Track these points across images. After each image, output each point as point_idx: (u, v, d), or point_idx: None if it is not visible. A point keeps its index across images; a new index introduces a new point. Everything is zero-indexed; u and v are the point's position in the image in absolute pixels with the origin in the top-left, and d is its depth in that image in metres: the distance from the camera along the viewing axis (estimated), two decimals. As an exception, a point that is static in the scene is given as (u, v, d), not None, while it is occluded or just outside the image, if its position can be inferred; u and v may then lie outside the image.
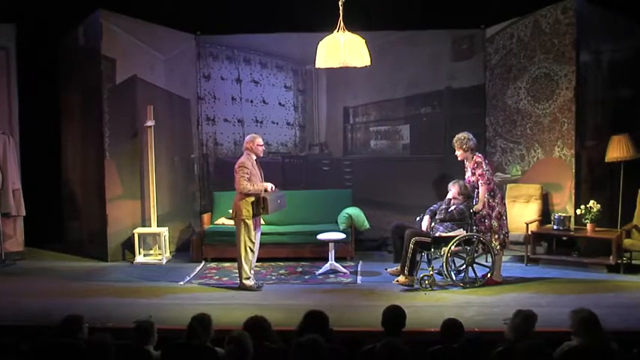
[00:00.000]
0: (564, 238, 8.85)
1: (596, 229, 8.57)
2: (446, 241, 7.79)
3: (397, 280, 7.77)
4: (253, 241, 7.81)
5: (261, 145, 7.94)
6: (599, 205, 8.50)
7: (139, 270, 8.92)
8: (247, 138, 7.97)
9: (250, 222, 7.75)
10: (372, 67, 8.02)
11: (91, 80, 9.45)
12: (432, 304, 7.13)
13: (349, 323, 6.36)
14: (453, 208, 8.02)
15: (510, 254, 9.30)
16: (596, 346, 4.58)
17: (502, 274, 8.05)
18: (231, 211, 7.97)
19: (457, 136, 8.11)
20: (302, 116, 10.47)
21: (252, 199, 7.73)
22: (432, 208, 8.26)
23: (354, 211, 9.43)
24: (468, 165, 8.12)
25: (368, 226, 9.45)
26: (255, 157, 7.89)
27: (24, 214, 9.45)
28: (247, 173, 7.70)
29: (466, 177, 8.15)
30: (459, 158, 8.15)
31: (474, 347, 4.50)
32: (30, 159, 9.82)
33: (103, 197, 9.34)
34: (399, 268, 7.94)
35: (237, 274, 7.90)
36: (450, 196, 8.14)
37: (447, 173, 9.62)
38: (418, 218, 8.29)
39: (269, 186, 7.83)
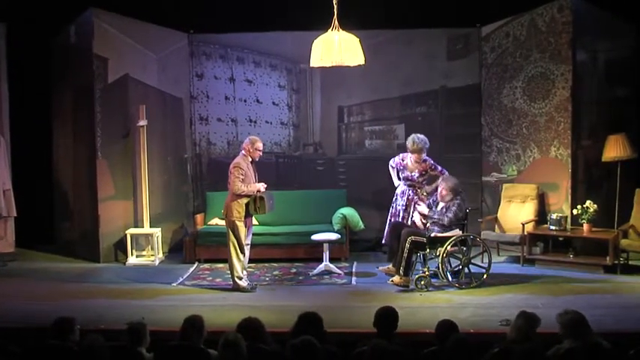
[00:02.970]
0: (560, 239, 8.87)
1: (593, 229, 8.59)
2: (442, 241, 7.80)
3: (392, 281, 7.78)
4: (244, 242, 7.81)
5: (260, 151, 7.91)
6: (595, 205, 8.51)
7: (132, 271, 8.91)
8: (247, 140, 7.93)
9: (241, 223, 7.74)
10: (367, 66, 8.04)
11: (82, 79, 9.43)
12: (428, 305, 7.14)
13: (344, 325, 6.36)
14: (447, 210, 8.00)
15: (506, 255, 9.33)
16: (590, 346, 4.58)
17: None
18: (223, 211, 7.96)
19: (415, 139, 8.33)
20: (296, 115, 10.47)
21: (246, 200, 7.73)
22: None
23: (348, 211, 9.43)
24: (416, 166, 8.46)
25: (362, 226, 9.44)
26: (250, 160, 7.88)
27: (15, 214, 9.42)
28: (242, 174, 7.69)
29: (413, 175, 8.47)
30: (414, 159, 8.41)
31: (464, 348, 4.49)
32: (21, 159, 9.80)
33: (95, 198, 9.32)
34: (390, 267, 7.95)
35: (230, 275, 7.90)
36: (440, 193, 8.06)
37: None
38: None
39: (262, 187, 7.83)
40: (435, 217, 8.01)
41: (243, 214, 7.75)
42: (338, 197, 9.88)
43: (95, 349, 4.57)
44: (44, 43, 10.00)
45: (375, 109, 10.38)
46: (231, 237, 7.75)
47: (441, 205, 8.07)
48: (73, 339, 4.97)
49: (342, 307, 7.21)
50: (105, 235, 9.40)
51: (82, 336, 5.00)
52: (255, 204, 7.76)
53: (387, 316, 5.04)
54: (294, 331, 4.82)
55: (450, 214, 7.92)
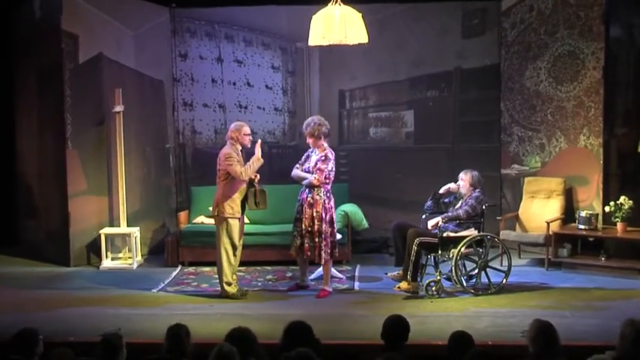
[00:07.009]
0: (591, 239, 8.88)
1: (628, 228, 8.59)
2: (455, 242, 7.80)
3: (399, 287, 7.77)
4: (236, 243, 7.82)
5: (248, 135, 7.90)
6: (630, 202, 8.50)
7: (106, 276, 8.93)
8: (232, 126, 7.93)
9: (235, 221, 7.75)
10: (371, 44, 8.01)
11: (49, 59, 9.42)
12: (440, 314, 7.16)
13: (345, 335, 6.38)
14: (464, 203, 8.01)
15: (529, 257, 9.35)
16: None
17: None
18: (211, 208, 7.96)
19: (307, 121, 8.13)
20: (292, 101, 10.48)
21: (240, 194, 7.74)
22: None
23: (350, 208, 9.44)
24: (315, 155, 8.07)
25: (366, 225, 9.45)
26: (240, 148, 7.88)
27: (-27, 212, 9.46)
28: (237, 161, 7.70)
29: (306, 166, 8.12)
30: (312, 146, 8.09)
31: None
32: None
33: (65, 193, 9.31)
34: (400, 272, 7.95)
35: (218, 280, 7.91)
36: (462, 190, 8.10)
37: (455, 165, 9.63)
38: (424, 216, 8.29)
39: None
40: (450, 214, 7.98)
41: (238, 210, 7.76)
42: (339, 192, 9.79)
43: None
44: (5, 17, 9.98)
45: (381, 93, 10.40)
46: (223, 237, 7.74)
47: (460, 202, 8.07)
48: (38, 353, 4.96)
49: (344, 315, 7.23)
50: (76, 235, 9.40)
51: (50, 350, 5.00)
52: (254, 198, 7.78)
53: (396, 327, 5.03)
54: (283, 346, 4.82)
55: (467, 207, 7.90)
